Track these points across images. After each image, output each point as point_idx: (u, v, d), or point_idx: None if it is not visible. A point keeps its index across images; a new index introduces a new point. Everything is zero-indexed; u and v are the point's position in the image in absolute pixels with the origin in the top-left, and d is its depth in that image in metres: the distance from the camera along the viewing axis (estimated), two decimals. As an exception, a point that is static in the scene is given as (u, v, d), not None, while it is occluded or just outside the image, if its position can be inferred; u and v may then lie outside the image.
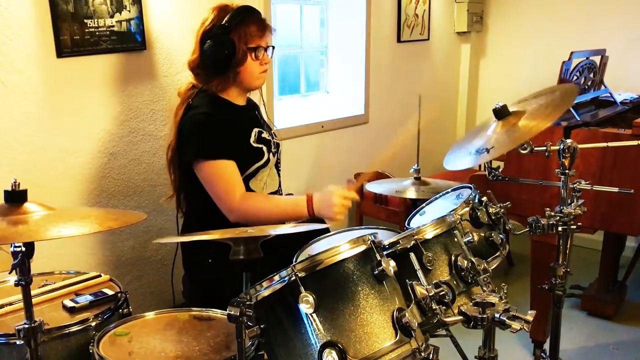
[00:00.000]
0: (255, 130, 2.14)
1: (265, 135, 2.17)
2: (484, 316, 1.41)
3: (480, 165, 4.26)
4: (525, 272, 3.02)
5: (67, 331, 1.60)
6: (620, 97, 3.31)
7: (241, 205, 2.00)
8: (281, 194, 2.28)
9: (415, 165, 2.26)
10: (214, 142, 2.01)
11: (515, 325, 1.39)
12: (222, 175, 2.00)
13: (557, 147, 1.85)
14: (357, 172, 3.61)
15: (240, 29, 2.02)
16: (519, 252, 3.79)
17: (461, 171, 4.18)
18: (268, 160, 2.14)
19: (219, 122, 2.04)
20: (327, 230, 2.06)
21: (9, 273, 1.37)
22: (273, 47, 2.16)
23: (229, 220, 2.02)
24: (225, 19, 2.02)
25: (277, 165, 2.25)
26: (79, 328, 1.62)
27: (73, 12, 2.20)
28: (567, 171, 1.86)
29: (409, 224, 1.92)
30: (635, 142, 2.08)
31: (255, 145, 2.12)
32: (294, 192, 2.58)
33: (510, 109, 1.88)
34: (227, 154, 2.01)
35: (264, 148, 2.14)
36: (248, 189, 2.09)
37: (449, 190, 2.01)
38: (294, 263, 1.31)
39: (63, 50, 2.20)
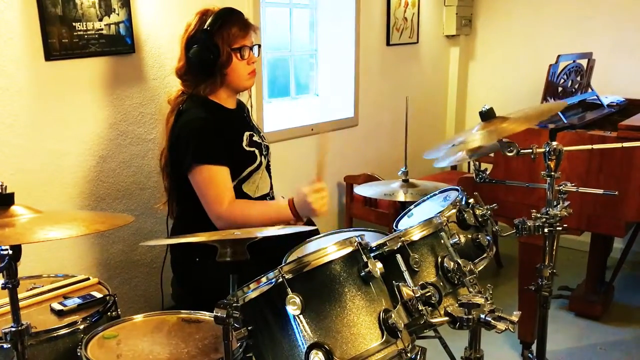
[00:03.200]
0: (247, 133, 2.15)
1: (256, 138, 2.17)
2: (470, 317, 1.42)
3: (468, 168, 4.29)
4: (514, 274, 3.04)
5: (55, 334, 1.60)
6: (607, 100, 3.35)
7: (228, 213, 1.99)
8: (273, 197, 2.28)
9: (404, 168, 2.27)
10: (208, 147, 2.01)
11: (501, 325, 1.41)
12: (213, 181, 2.00)
13: (543, 150, 1.87)
14: (348, 175, 3.63)
15: (222, 32, 2.03)
16: (509, 254, 3.81)
17: (449, 173, 4.22)
18: (260, 163, 2.15)
19: (213, 127, 2.04)
20: (316, 232, 2.07)
21: (-4, 276, 1.37)
22: (259, 46, 2.16)
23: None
24: (207, 22, 2.03)
25: (268, 168, 2.26)
26: (67, 331, 1.62)
27: (61, 15, 2.20)
28: (552, 173, 1.88)
29: (396, 226, 1.93)
30: (620, 145, 2.11)
31: (247, 148, 2.12)
32: (285, 194, 2.58)
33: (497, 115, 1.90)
34: (221, 160, 2.01)
35: (256, 151, 2.14)
36: (241, 192, 2.10)
37: (437, 192, 2.03)
38: (281, 265, 1.32)
39: (52, 53, 2.20)
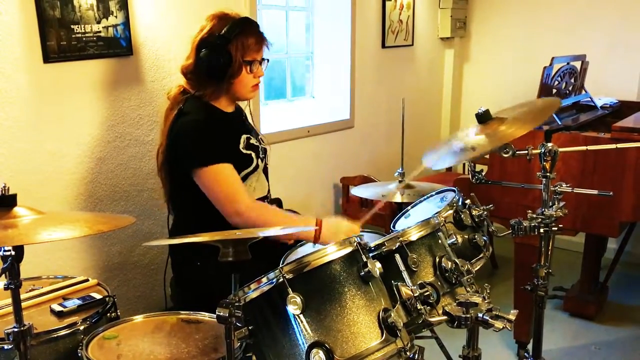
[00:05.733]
0: (244, 136, 2.16)
1: (253, 141, 2.18)
2: (468, 316, 1.44)
3: (464, 169, 4.31)
4: (509, 275, 3.06)
5: (55, 335, 1.61)
6: (601, 102, 3.38)
7: (250, 212, 1.99)
8: (270, 199, 2.29)
9: (400, 169, 2.29)
10: (211, 148, 2.01)
11: (498, 324, 1.42)
12: (224, 179, 2.01)
13: (538, 151, 1.89)
14: (344, 176, 3.65)
15: (238, 41, 2.03)
16: (503, 254, 3.84)
17: (445, 174, 4.24)
18: (257, 166, 2.16)
19: (212, 129, 2.05)
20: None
21: (-2, 277, 1.37)
22: (267, 60, 2.17)
23: (222, 224, 2.00)
24: (225, 29, 2.02)
25: (265, 170, 2.27)
26: (67, 332, 1.63)
27: (60, 17, 2.21)
28: (548, 174, 1.90)
29: (394, 227, 1.95)
30: (614, 146, 2.13)
31: (244, 151, 2.13)
32: (282, 196, 2.60)
33: (493, 116, 1.92)
34: (223, 158, 2.01)
35: (253, 154, 2.15)
36: None
37: (433, 193, 2.05)
38: (281, 265, 1.33)
39: (50, 55, 2.21)
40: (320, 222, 2.01)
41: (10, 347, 1.41)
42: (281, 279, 1.30)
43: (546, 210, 1.92)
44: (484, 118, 1.90)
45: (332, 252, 1.35)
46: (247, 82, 2.11)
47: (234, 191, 2.01)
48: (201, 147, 2.01)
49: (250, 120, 2.33)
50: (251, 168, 2.14)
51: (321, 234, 1.98)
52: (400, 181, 2.29)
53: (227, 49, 2.02)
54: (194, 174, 2.01)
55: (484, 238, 1.76)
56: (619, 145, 2.16)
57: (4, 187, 1.36)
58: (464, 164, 4.14)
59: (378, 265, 1.36)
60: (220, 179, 2.01)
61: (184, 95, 2.12)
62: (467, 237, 1.73)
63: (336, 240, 1.87)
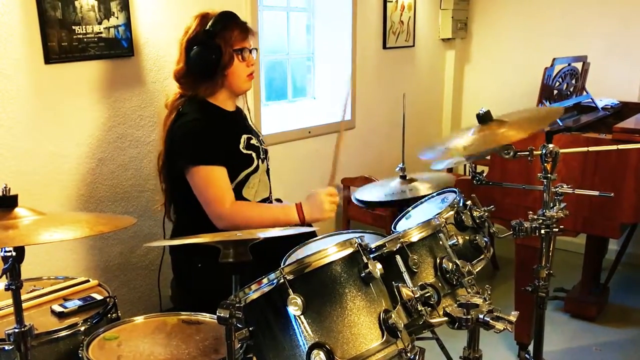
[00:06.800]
0: (244, 136, 2.16)
1: (254, 141, 2.19)
2: (469, 317, 1.44)
3: (465, 170, 4.31)
4: (510, 276, 3.06)
5: (56, 336, 1.61)
6: (602, 103, 3.38)
7: (231, 213, 2.01)
8: (271, 201, 2.30)
9: (401, 164, 2.27)
10: (205, 148, 2.02)
11: (499, 325, 1.42)
12: (212, 181, 2.02)
13: (539, 152, 1.89)
14: (345, 177, 3.65)
15: (224, 33, 2.06)
16: (504, 255, 3.84)
17: (446, 175, 4.22)
18: (257, 166, 2.16)
19: (210, 128, 2.06)
20: (314, 234, 2.08)
21: (-1, 278, 1.38)
22: (256, 50, 2.19)
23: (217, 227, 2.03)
24: (208, 25, 2.06)
25: (268, 172, 2.27)
26: (67, 333, 1.63)
27: (61, 18, 2.21)
28: (549, 175, 1.90)
29: (395, 228, 1.95)
30: (615, 147, 2.13)
31: (244, 151, 2.14)
32: (282, 197, 2.60)
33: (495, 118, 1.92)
34: (218, 160, 2.02)
35: (253, 154, 2.16)
36: (241, 196, 2.11)
37: (434, 194, 2.04)
38: (282, 266, 1.33)
39: (51, 56, 2.21)
40: (300, 206, 2.07)
41: (11, 347, 1.41)
42: (282, 280, 1.29)
43: (547, 211, 1.92)
44: (484, 118, 1.90)
45: (333, 253, 1.34)
46: (241, 72, 2.12)
47: (220, 194, 2.02)
48: (196, 146, 2.02)
49: (250, 122, 2.33)
50: (252, 168, 2.14)
51: (304, 212, 2.06)
52: (401, 176, 2.27)
53: (215, 43, 2.04)
54: (186, 172, 2.03)
55: (485, 239, 1.76)
56: (620, 147, 2.17)
57: (5, 187, 1.36)
58: (464, 165, 4.14)
59: (379, 266, 1.36)
60: (209, 180, 2.02)
61: (181, 99, 2.13)
62: (468, 238, 1.73)
63: (322, 209, 2.03)
